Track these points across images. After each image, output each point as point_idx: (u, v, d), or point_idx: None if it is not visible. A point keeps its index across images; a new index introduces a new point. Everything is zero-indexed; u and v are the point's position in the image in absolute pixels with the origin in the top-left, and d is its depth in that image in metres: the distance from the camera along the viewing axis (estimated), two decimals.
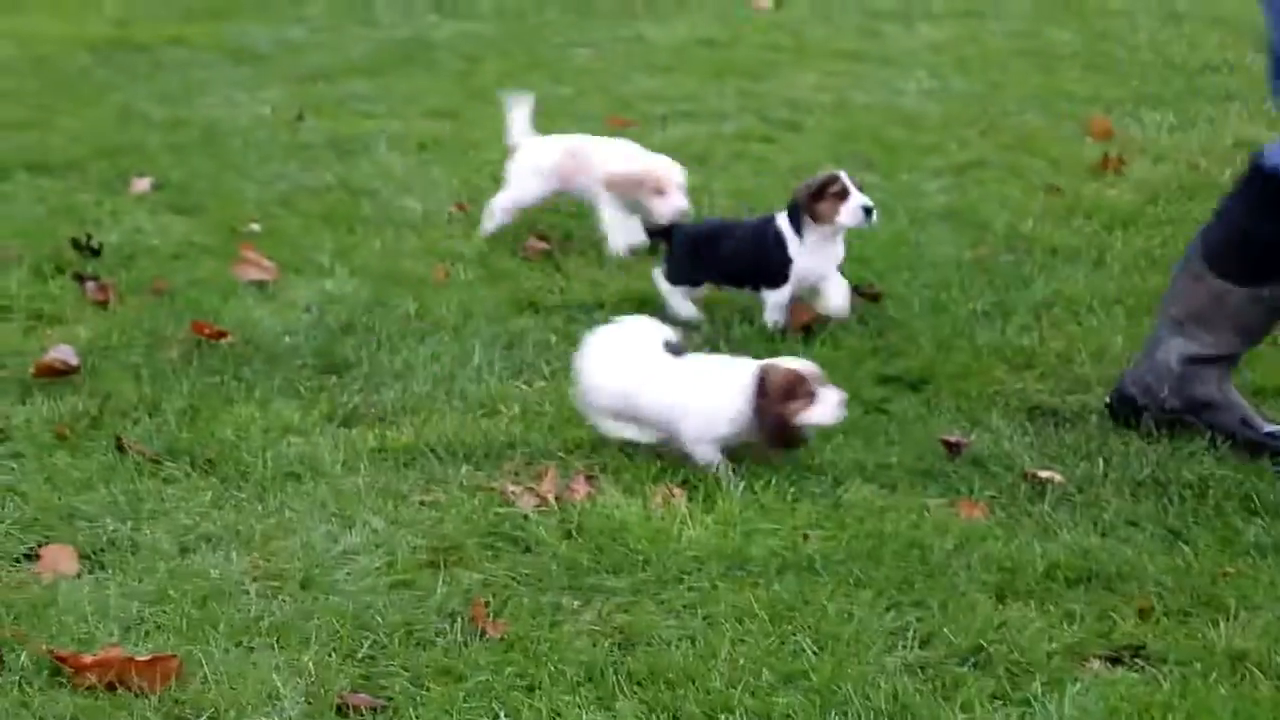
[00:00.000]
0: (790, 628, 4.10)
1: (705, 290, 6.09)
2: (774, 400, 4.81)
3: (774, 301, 5.92)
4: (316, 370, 5.55)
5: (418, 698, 3.80)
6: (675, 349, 5.05)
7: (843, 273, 5.99)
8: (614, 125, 8.31)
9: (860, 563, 4.40)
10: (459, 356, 5.67)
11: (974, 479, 4.87)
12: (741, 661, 3.94)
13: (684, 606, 4.20)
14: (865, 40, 10.76)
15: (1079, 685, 3.89)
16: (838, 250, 5.96)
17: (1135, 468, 4.95)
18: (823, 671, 3.90)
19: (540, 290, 6.29)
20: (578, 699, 3.80)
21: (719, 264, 6.01)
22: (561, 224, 7.03)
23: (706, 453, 4.89)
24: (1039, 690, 3.87)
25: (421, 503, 4.71)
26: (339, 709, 3.75)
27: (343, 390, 5.41)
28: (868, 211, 5.83)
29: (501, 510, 4.65)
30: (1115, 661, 4.02)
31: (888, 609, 4.20)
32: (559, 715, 3.74)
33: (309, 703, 3.76)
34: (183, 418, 5.17)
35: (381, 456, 4.96)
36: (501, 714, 3.74)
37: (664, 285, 6.07)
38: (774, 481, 4.79)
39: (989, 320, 6.04)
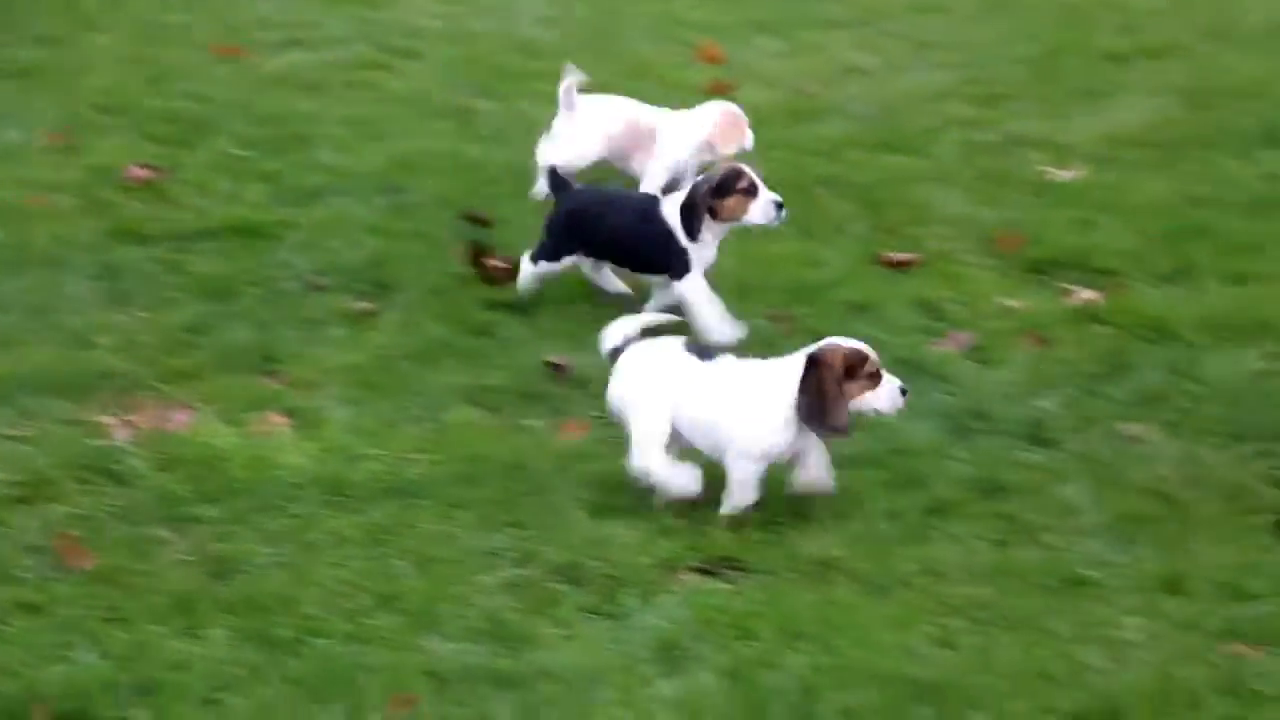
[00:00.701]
0: (389, 551, 4.11)
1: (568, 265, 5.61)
2: (831, 378, 4.32)
3: (692, 293, 5.42)
4: None
5: None
6: (702, 352, 4.55)
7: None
8: (220, 53, 8.10)
9: (462, 485, 4.42)
10: (54, 288, 5.50)
11: (577, 400, 4.93)
12: (337, 586, 3.93)
13: (281, 533, 4.17)
14: None
15: (672, 596, 3.97)
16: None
17: None
18: (420, 593, 3.92)
19: (144, 219, 6.11)
20: (168, 629, 3.74)
21: (601, 238, 5.56)
22: (169, 153, 6.83)
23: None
24: (633, 602, 3.94)
25: (10, 438, 4.57)
26: None
27: None
28: (779, 207, 5.45)
29: (95, 443, 4.55)
30: (708, 573, 4.11)
31: (488, 530, 4.23)
32: (147, 646, 3.68)
33: None
34: None
35: None
36: (86, 646, 3.66)
37: (529, 266, 5.58)
38: (377, 407, 4.77)
39: None
